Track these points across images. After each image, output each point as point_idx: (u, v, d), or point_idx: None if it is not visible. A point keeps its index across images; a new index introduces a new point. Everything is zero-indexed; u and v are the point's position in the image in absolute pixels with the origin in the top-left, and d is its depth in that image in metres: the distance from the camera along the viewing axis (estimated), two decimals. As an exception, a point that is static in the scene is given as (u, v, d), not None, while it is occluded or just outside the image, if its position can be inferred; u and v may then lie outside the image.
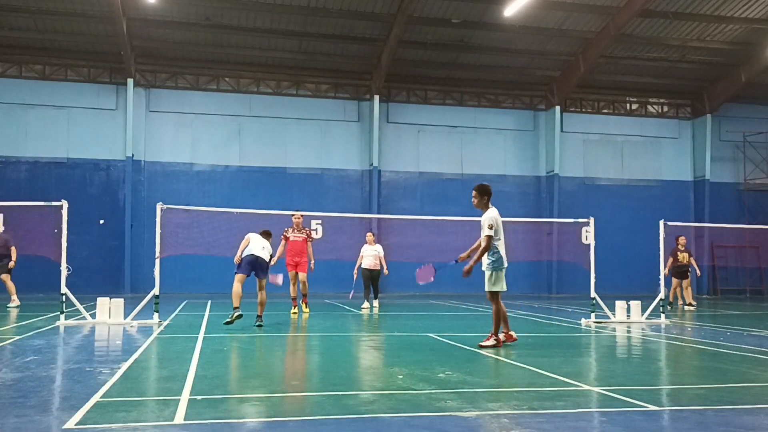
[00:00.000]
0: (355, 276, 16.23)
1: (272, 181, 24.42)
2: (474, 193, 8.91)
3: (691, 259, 18.35)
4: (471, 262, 8.71)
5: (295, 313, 14.28)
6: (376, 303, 16.13)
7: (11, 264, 15.75)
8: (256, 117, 24.59)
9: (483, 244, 8.61)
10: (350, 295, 16.71)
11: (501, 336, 8.86)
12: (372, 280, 16.16)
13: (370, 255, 16.16)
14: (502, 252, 8.70)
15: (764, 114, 28.02)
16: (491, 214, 8.64)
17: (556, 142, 26.07)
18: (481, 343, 8.71)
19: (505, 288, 8.75)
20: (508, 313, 9.05)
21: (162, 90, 24.07)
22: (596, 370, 7.34)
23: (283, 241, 14.43)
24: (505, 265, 8.73)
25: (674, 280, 18.20)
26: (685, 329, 12.01)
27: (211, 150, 24.17)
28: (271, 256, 11.57)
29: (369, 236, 16.46)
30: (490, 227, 8.57)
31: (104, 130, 23.41)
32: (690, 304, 18.20)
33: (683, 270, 18.13)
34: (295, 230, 14.53)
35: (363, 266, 16.16)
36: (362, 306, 15.89)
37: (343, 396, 5.52)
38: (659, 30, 23.51)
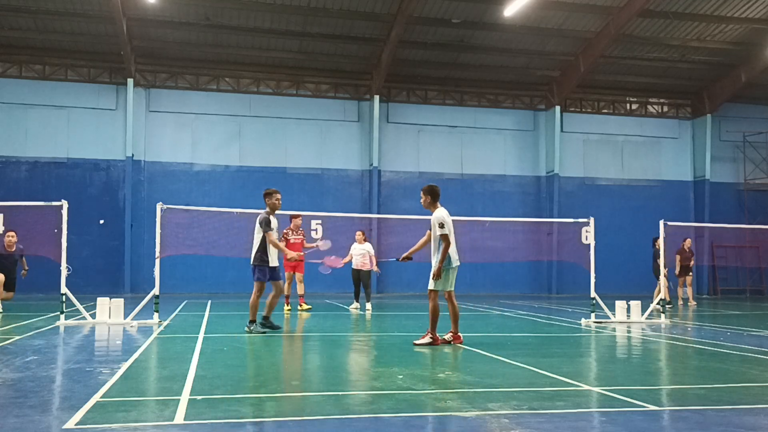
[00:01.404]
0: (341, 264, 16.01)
1: (272, 181, 24.33)
2: (421, 194, 9.08)
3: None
4: (437, 264, 8.71)
5: (289, 310, 14.54)
6: (369, 306, 15.62)
7: (23, 273, 15.17)
8: (256, 117, 24.59)
9: (444, 244, 8.67)
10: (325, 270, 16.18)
11: (447, 335, 8.91)
12: (361, 281, 15.75)
13: (359, 254, 15.73)
14: (451, 251, 8.72)
15: (764, 114, 28.02)
16: (439, 214, 8.77)
17: (556, 142, 26.06)
18: (415, 341, 8.78)
19: (447, 287, 8.80)
20: (458, 313, 9.06)
21: (162, 90, 24.07)
22: (596, 370, 7.34)
23: (282, 243, 14.48)
24: (453, 265, 8.78)
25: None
26: (685, 329, 12.01)
27: (211, 150, 24.17)
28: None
29: (359, 235, 15.97)
30: (441, 226, 8.67)
31: (104, 130, 23.40)
32: (666, 301, 18.31)
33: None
34: (294, 232, 14.69)
35: (353, 266, 15.83)
36: (351, 306, 15.88)
37: (343, 396, 5.52)
38: (659, 30, 23.51)
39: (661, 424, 4.78)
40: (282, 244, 10.49)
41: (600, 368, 7.54)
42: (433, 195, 8.95)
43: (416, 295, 23.35)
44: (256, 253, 10.26)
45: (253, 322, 10.25)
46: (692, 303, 19.40)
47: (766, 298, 26.00)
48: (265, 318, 10.29)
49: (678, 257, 19.31)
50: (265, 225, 10.12)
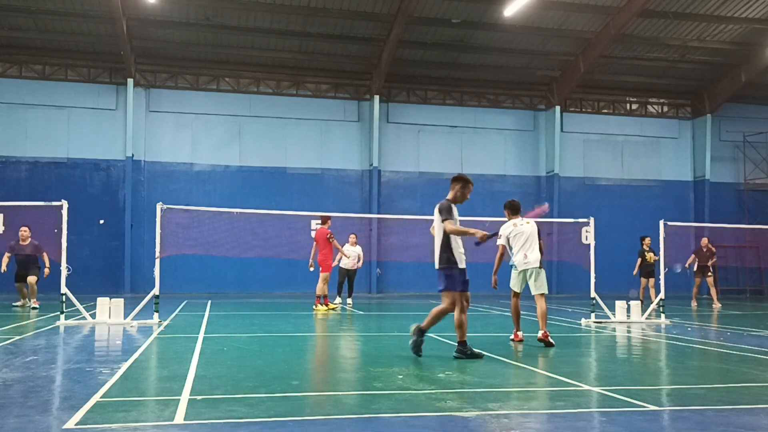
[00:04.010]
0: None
1: (272, 181, 24.41)
2: None
3: (656, 258, 18.47)
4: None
5: (334, 308, 15.41)
6: (350, 301, 17.15)
7: (46, 271, 15.31)
8: (256, 117, 24.59)
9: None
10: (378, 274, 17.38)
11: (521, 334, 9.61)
12: (349, 279, 17.13)
13: (352, 256, 16.92)
14: (512, 255, 9.59)
15: (764, 114, 28.02)
16: (503, 225, 9.64)
17: (556, 142, 26.06)
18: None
19: (514, 288, 9.66)
20: (520, 314, 9.79)
21: (162, 90, 24.06)
22: (596, 370, 7.34)
23: (333, 243, 15.55)
24: (516, 268, 9.55)
25: (642, 280, 18.50)
26: (685, 329, 12.01)
27: (211, 150, 24.17)
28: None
29: (352, 238, 17.16)
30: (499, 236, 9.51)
31: (104, 130, 23.40)
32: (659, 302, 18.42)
33: (650, 270, 18.45)
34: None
35: (342, 266, 16.88)
36: (334, 302, 16.66)
37: (343, 396, 5.52)
38: (659, 30, 23.51)
39: (661, 424, 4.78)
40: (462, 228, 7.88)
41: (600, 368, 7.54)
42: (506, 208, 9.70)
43: (416, 295, 23.35)
44: (441, 253, 7.74)
45: (462, 343, 7.74)
46: (717, 305, 18.65)
47: (766, 298, 25.99)
48: (462, 344, 7.74)
49: (694, 257, 19.26)
50: (447, 212, 7.70)
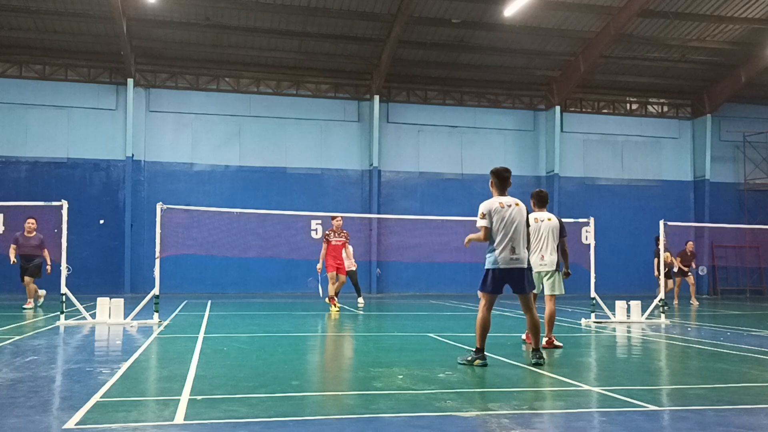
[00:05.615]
0: (319, 270, 15.99)
1: (272, 181, 24.41)
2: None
3: (673, 259, 18.72)
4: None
5: (337, 310, 15.07)
6: (361, 300, 17.16)
7: (48, 269, 15.02)
8: (256, 117, 24.57)
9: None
10: (309, 283, 17.04)
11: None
12: (350, 279, 16.83)
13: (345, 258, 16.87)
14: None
15: (764, 114, 28.00)
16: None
17: (556, 142, 26.05)
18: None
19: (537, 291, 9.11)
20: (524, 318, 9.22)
21: (162, 90, 24.05)
22: (596, 370, 7.34)
23: (324, 245, 15.30)
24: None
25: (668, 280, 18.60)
26: (685, 329, 12.01)
27: (211, 150, 24.15)
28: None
29: None
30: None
31: (104, 130, 23.38)
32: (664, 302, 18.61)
33: (667, 269, 18.65)
34: (336, 234, 15.37)
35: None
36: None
37: (343, 396, 5.53)
38: (659, 30, 23.51)
39: (661, 424, 4.78)
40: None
41: (600, 368, 7.54)
42: (534, 198, 9.28)
43: (416, 295, 23.36)
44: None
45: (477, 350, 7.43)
46: (676, 302, 19.48)
47: (766, 298, 26.00)
48: (535, 351, 7.56)
49: (678, 259, 19.38)
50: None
